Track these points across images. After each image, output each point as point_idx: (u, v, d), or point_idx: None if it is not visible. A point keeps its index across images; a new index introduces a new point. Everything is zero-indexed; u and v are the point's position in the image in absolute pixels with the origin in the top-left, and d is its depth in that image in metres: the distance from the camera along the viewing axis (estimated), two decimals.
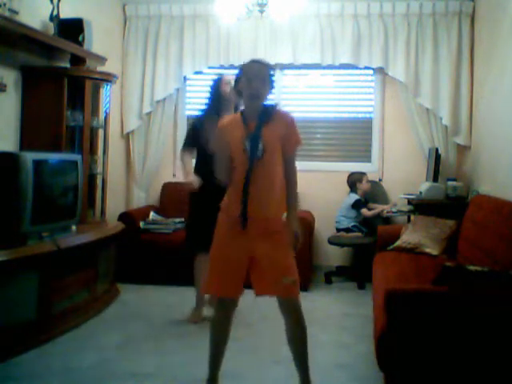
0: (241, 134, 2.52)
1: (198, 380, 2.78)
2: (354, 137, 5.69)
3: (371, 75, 5.58)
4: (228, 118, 2.77)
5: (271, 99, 2.72)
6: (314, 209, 5.40)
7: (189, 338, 3.56)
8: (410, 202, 5.06)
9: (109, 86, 4.64)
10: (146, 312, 4.17)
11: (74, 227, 4.03)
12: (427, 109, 5.27)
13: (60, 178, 3.93)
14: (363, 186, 5.31)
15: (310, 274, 4.98)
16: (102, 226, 4.48)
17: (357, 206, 5.21)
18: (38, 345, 3.34)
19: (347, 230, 5.20)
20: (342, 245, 5.23)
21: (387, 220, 5.34)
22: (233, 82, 3.61)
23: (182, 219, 5.21)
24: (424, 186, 4.89)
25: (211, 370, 2.65)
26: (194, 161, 3.91)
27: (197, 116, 4.07)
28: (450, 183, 4.88)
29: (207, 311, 3.85)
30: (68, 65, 4.40)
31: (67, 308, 3.73)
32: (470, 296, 2.47)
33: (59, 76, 4.17)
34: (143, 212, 5.35)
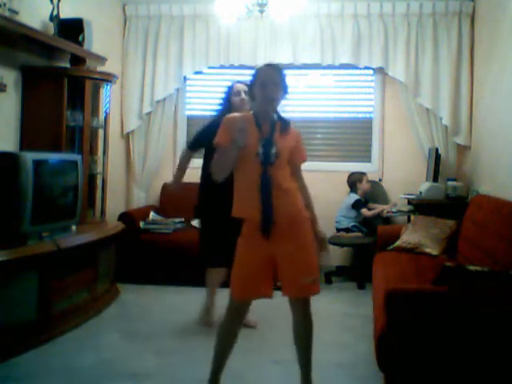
0: (255, 137, 2.49)
1: (198, 380, 2.78)
2: (354, 137, 5.69)
3: (371, 75, 5.58)
4: (239, 115, 2.68)
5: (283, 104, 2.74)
6: (314, 209, 5.37)
7: (189, 338, 3.55)
8: (409, 202, 5.06)
9: (109, 86, 4.64)
10: (146, 312, 4.17)
11: (73, 227, 4.02)
12: (427, 109, 5.27)
13: (60, 178, 3.93)
14: (363, 186, 5.31)
15: None
16: (101, 226, 4.48)
17: (357, 206, 5.21)
18: (38, 345, 3.34)
19: (347, 229, 5.20)
20: (342, 245, 5.22)
21: (387, 220, 5.34)
22: (243, 94, 3.62)
23: (182, 219, 5.22)
24: (424, 186, 4.89)
25: (214, 371, 2.64)
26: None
27: (211, 116, 3.93)
28: (449, 183, 4.88)
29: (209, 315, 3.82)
30: (68, 65, 4.40)
31: (67, 308, 3.72)
32: (470, 296, 2.47)
33: (59, 76, 4.17)
34: (143, 212, 5.34)
